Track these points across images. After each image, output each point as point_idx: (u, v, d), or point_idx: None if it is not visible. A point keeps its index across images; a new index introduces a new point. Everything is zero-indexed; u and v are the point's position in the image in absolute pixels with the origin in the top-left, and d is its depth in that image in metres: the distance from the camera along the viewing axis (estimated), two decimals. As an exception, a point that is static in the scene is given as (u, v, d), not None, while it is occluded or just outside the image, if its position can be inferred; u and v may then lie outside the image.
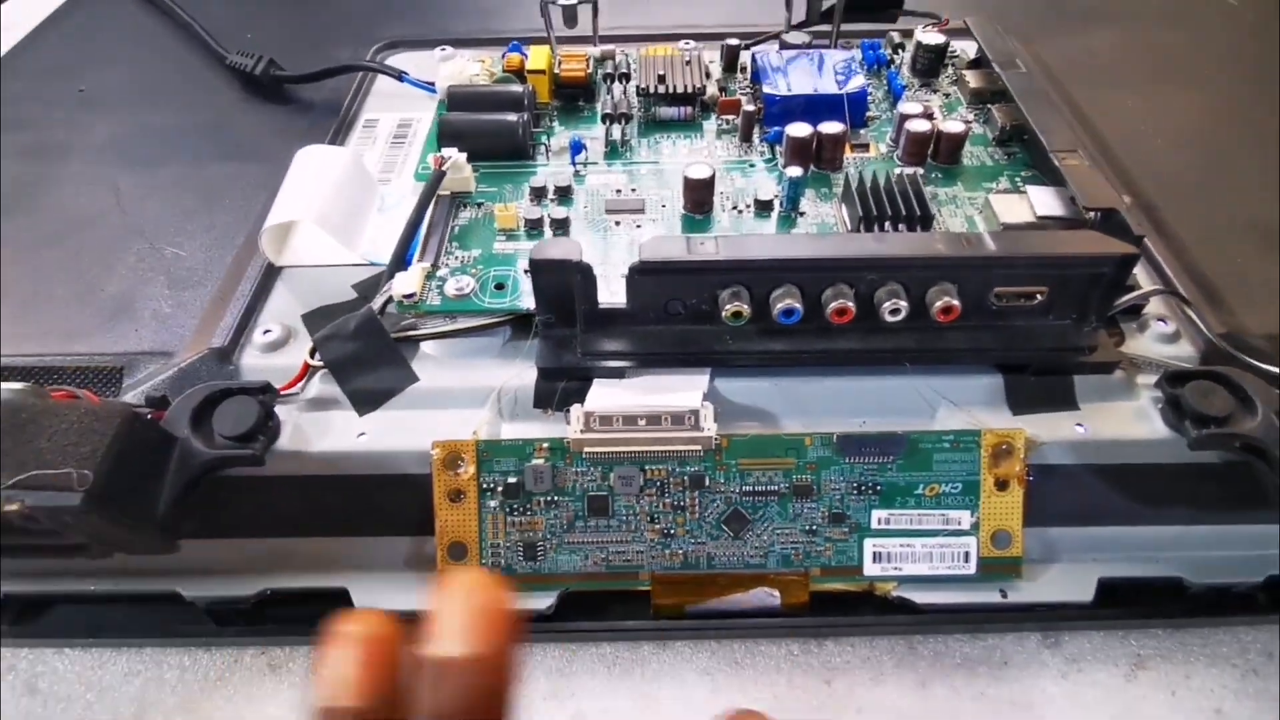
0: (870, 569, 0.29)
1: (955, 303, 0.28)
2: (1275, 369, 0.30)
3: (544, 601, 0.29)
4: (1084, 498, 0.30)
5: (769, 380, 0.31)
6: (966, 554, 0.29)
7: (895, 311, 0.28)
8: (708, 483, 0.29)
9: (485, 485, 0.29)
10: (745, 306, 0.28)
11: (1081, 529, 0.30)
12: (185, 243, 0.38)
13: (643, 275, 0.28)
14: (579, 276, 0.28)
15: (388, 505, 0.30)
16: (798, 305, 0.28)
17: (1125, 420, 0.30)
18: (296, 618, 0.30)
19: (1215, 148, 0.43)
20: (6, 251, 0.37)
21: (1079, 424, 0.30)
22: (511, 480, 0.29)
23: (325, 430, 0.30)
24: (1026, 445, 0.29)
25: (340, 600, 0.29)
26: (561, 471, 0.29)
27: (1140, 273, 0.34)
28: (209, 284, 0.35)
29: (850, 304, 0.28)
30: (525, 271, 0.33)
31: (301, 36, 0.52)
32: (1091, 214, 0.32)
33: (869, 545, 0.29)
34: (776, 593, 0.29)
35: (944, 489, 0.29)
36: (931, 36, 0.43)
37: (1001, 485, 0.29)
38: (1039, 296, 0.29)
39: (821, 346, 0.30)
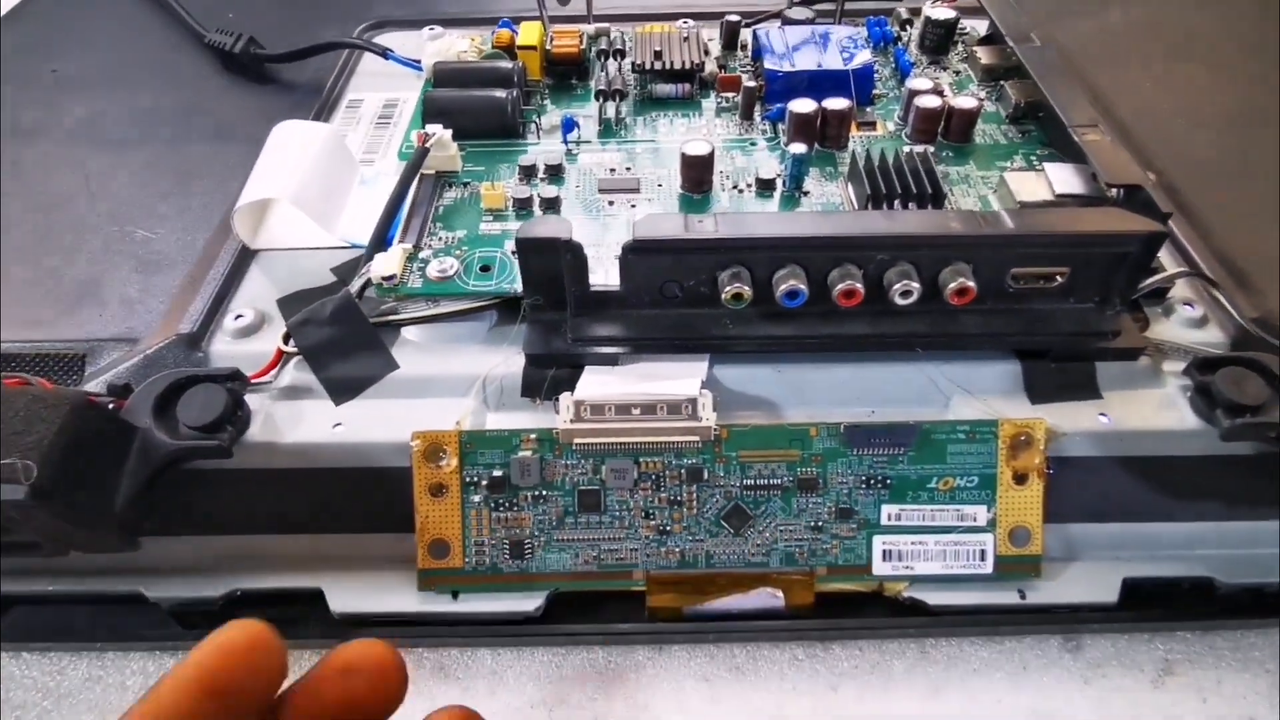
0: (880, 568, 0.28)
1: (971, 284, 0.26)
2: (1312, 354, 0.28)
3: (532, 603, 0.28)
4: (1108, 492, 0.28)
5: (772, 367, 0.29)
6: (983, 552, 0.28)
7: (906, 294, 0.27)
8: (706, 476, 0.27)
9: (469, 479, 0.27)
10: (746, 288, 0.27)
11: (1105, 525, 0.28)
12: (157, 226, 0.36)
13: (636, 255, 0.27)
14: (569, 256, 0.27)
15: (365, 500, 0.28)
16: (802, 287, 0.27)
17: (1151, 409, 0.28)
18: (268, 620, 0.28)
19: (1240, 128, 0.41)
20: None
21: (1102, 413, 0.28)
22: (497, 473, 0.27)
23: (299, 420, 0.28)
24: (1047, 436, 0.27)
25: (314, 601, 0.27)
26: (550, 464, 0.27)
27: (1164, 255, 0.32)
28: (180, 268, 0.34)
29: (859, 286, 0.27)
30: (512, 252, 0.31)
31: (286, 15, 0.50)
32: (1114, 191, 0.30)
33: (878, 543, 0.28)
34: (780, 593, 0.28)
35: (959, 483, 0.27)
36: (941, 12, 0.41)
37: (1020, 479, 0.27)
38: (1059, 278, 0.27)
39: (828, 331, 0.28)
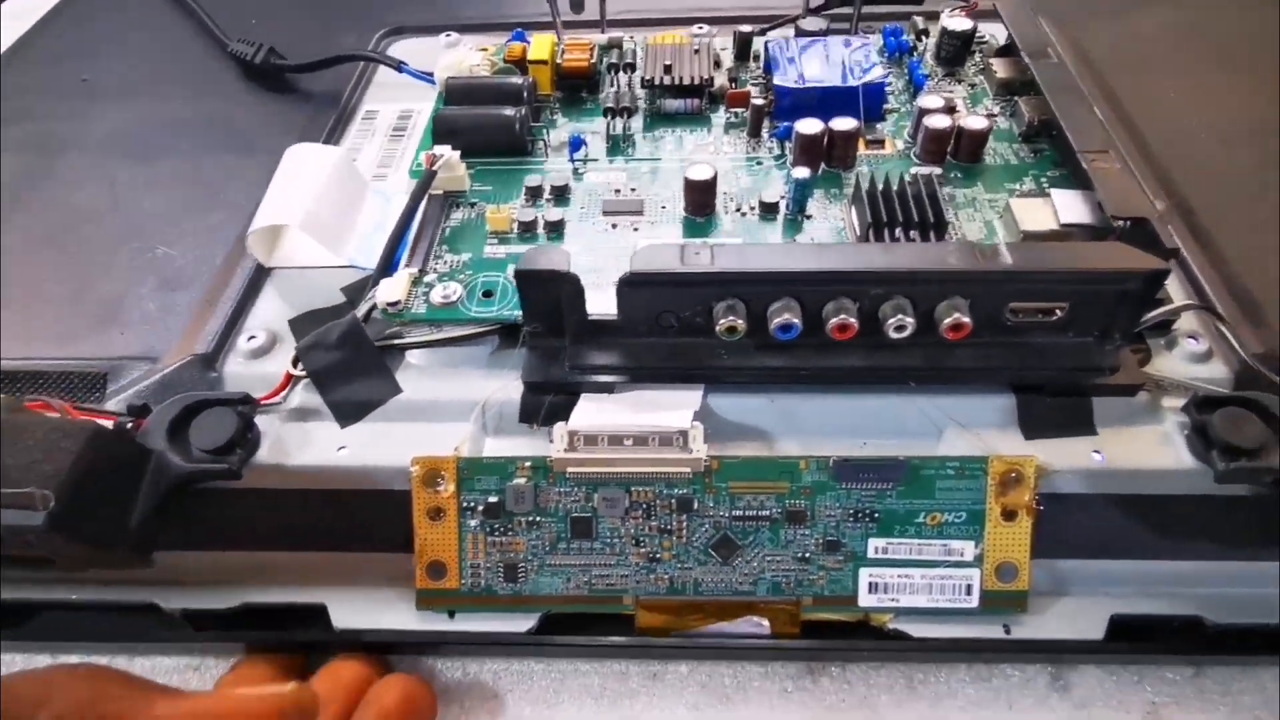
0: (865, 599, 0.28)
1: (966, 320, 0.26)
2: (1316, 395, 0.28)
3: (525, 624, 0.28)
4: (1098, 529, 0.28)
5: (765, 397, 0.29)
6: (969, 586, 0.28)
7: (900, 328, 0.27)
8: (696, 506, 0.28)
9: (465, 504, 0.28)
10: (740, 321, 0.27)
11: (1094, 562, 0.28)
12: (179, 241, 0.37)
13: (633, 287, 0.27)
14: (567, 288, 0.27)
15: (368, 521, 0.29)
16: (796, 320, 0.27)
17: (1147, 448, 0.28)
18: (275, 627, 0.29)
19: (1270, 144, 0.40)
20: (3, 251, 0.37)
21: (1096, 450, 0.28)
22: (492, 499, 0.28)
23: (306, 443, 0.29)
24: (1037, 474, 0.27)
25: (318, 616, 0.29)
26: (544, 491, 0.28)
27: (1173, 284, 0.32)
28: (198, 285, 0.35)
29: (853, 320, 0.27)
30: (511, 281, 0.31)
31: (309, 20, 0.51)
32: (1120, 223, 0.30)
33: (865, 575, 0.28)
34: (765, 621, 0.28)
35: (946, 518, 0.28)
36: (958, 22, 0.41)
37: (1009, 515, 0.27)
38: (1058, 312, 0.27)
39: (821, 363, 0.28)
